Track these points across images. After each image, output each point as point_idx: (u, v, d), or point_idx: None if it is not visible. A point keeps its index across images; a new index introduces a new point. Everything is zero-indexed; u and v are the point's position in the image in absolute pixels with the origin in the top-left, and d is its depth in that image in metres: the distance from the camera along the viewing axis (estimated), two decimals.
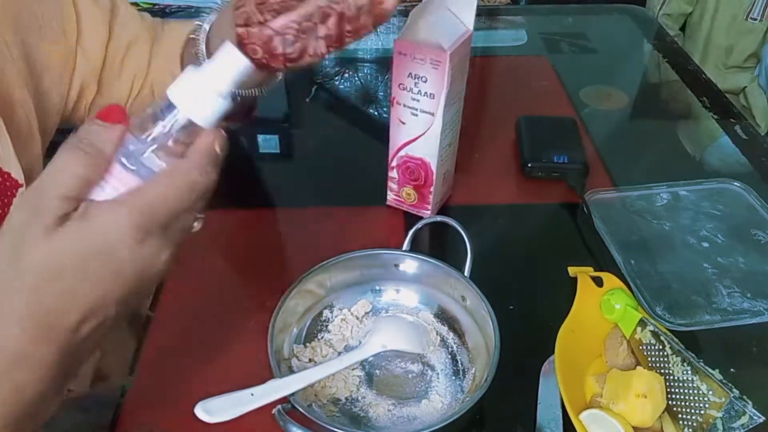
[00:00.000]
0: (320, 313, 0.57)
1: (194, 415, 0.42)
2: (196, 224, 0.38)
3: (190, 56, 0.54)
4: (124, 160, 0.34)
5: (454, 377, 0.53)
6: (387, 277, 0.59)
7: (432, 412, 0.51)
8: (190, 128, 0.34)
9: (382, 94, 0.95)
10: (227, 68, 0.34)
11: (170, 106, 0.34)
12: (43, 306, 0.32)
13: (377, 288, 0.59)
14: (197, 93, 0.34)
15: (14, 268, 0.32)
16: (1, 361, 0.31)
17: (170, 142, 0.34)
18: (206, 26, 0.50)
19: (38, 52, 0.54)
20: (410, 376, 0.53)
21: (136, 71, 0.63)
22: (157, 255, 0.35)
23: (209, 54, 0.51)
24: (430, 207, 0.69)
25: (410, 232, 0.58)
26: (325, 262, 0.56)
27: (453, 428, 0.46)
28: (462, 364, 0.54)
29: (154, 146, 0.34)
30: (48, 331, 0.32)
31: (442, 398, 0.52)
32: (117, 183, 0.33)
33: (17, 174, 0.49)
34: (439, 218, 0.61)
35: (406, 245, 0.58)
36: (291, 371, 0.51)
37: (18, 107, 0.51)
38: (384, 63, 1.03)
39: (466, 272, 0.56)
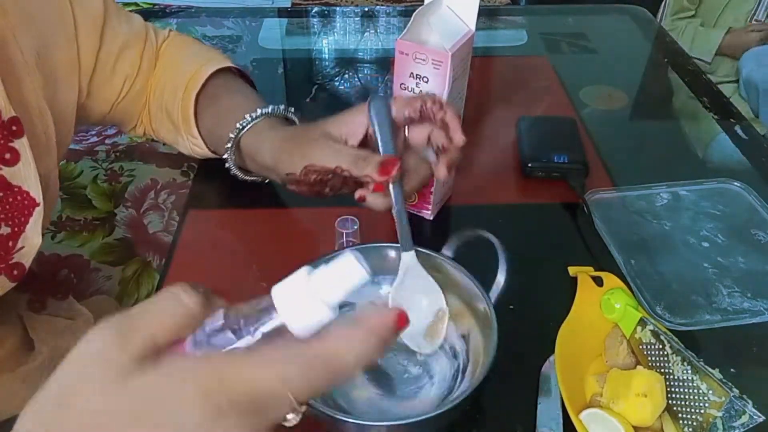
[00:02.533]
0: None
1: None
2: (290, 416, 0.28)
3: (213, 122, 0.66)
4: (196, 342, 0.29)
5: (448, 384, 0.53)
6: (388, 272, 0.59)
7: (415, 409, 0.51)
8: (283, 333, 0.30)
9: (381, 94, 0.95)
10: (343, 279, 0.30)
11: (270, 307, 0.30)
12: None
13: (375, 280, 0.59)
14: (304, 302, 0.29)
15: (67, 406, 0.26)
16: None
17: (255, 342, 0.29)
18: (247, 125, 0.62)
19: (52, 61, 0.54)
20: (405, 376, 0.53)
21: (126, 75, 0.65)
22: None
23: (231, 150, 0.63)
24: (430, 207, 0.69)
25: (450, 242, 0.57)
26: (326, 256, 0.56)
27: (443, 424, 0.46)
28: (460, 372, 0.53)
29: (241, 338, 0.29)
30: None
31: (430, 403, 0.51)
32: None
33: (36, 193, 0.49)
34: (479, 232, 0.57)
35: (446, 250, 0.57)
36: None
37: (36, 119, 0.51)
38: (384, 63, 1.03)
39: (496, 290, 0.54)
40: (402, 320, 0.29)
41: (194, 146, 0.69)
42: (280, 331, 0.29)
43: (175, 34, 0.72)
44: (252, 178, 0.68)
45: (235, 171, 0.66)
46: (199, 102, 0.66)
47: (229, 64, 0.69)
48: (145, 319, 0.28)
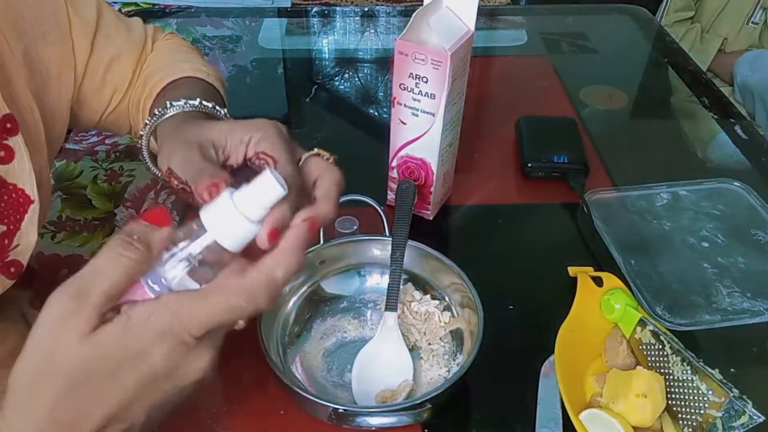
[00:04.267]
0: (317, 313, 0.59)
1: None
2: (239, 324, 0.35)
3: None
4: (151, 277, 0.33)
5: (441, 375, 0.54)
6: (375, 262, 0.61)
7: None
8: (219, 252, 0.34)
9: (381, 94, 0.95)
10: (263, 196, 0.34)
11: (202, 228, 0.34)
12: (67, 410, 0.31)
13: (362, 273, 0.61)
14: (228, 218, 0.34)
15: (50, 364, 0.31)
16: None
17: (197, 263, 0.34)
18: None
19: (42, 57, 0.53)
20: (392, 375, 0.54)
21: (116, 86, 0.61)
22: (195, 362, 0.33)
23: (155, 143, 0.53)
24: (430, 207, 0.69)
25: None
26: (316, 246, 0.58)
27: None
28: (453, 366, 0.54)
29: (186, 264, 0.34)
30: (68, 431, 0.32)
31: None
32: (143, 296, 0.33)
33: (31, 191, 0.49)
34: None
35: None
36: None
37: (27, 115, 0.51)
38: (383, 63, 1.03)
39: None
40: (312, 227, 0.36)
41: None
42: (215, 250, 0.34)
43: (167, 38, 0.66)
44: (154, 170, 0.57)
45: (149, 164, 0.56)
46: (157, 97, 0.58)
47: (201, 76, 0.60)
48: (95, 279, 0.32)
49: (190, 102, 0.52)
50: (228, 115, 0.54)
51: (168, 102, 0.52)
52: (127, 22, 0.63)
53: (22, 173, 0.48)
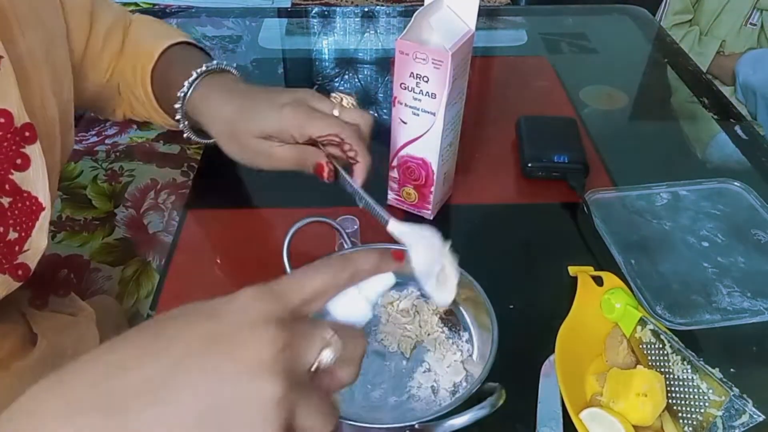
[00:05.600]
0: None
1: None
2: (326, 353, 0.32)
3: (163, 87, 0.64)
4: None
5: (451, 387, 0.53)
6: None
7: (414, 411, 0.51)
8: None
9: (381, 95, 0.95)
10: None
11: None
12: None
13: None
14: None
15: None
16: None
17: None
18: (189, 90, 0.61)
19: (57, 57, 0.54)
20: (408, 380, 0.53)
21: (110, 60, 0.65)
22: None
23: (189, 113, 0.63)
24: (430, 207, 0.69)
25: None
26: (325, 257, 0.56)
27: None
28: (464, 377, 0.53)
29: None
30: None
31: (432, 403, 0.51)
32: None
33: (43, 198, 0.49)
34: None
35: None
36: None
37: (46, 121, 0.51)
38: (383, 64, 1.03)
39: None
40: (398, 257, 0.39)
41: (165, 121, 0.68)
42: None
43: (137, 16, 0.70)
44: (206, 141, 0.66)
45: (188, 133, 0.65)
46: (153, 76, 0.65)
47: (183, 39, 0.67)
48: (299, 284, 0.33)
49: (215, 62, 0.62)
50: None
51: (194, 71, 0.60)
52: None
53: (37, 181, 0.49)
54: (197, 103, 0.61)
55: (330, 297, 0.35)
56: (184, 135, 0.65)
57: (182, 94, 0.61)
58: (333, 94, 0.60)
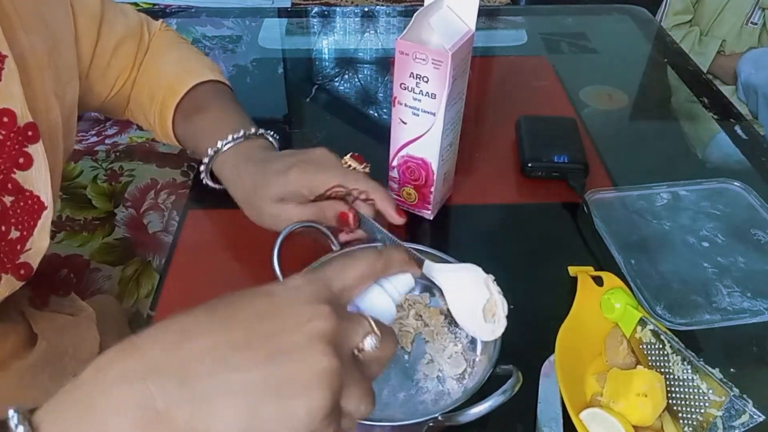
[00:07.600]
0: None
1: None
2: (368, 340, 0.34)
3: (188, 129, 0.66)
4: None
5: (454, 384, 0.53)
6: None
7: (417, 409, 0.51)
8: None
9: (381, 95, 0.95)
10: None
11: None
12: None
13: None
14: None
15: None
16: None
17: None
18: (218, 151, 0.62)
19: (61, 61, 0.54)
20: (412, 381, 0.53)
21: (120, 70, 0.65)
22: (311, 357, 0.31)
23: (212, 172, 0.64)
24: (430, 207, 0.69)
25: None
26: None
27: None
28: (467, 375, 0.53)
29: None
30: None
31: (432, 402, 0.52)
32: None
33: (45, 197, 0.49)
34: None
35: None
36: None
37: (49, 121, 0.52)
38: (383, 64, 1.03)
39: None
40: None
41: (170, 142, 0.70)
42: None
43: (162, 32, 0.70)
44: (220, 187, 0.66)
45: (207, 181, 0.66)
46: (177, 114, 0.66)
47: (210, 77, 0.68)
48: (343, 274, 0.36)
49: (252, 130, 0.63)
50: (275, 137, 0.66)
51: (231, 135, 0.62)
52: (123, 7, 0.66)
53: (39, 180, 0.49)
54: (222, 166, 0.63)
55: (365, 286, 0.38)
56: (203, 182, 0.66)
57: (213, 152, 0.62)
58: (344, 159, 0.61)
